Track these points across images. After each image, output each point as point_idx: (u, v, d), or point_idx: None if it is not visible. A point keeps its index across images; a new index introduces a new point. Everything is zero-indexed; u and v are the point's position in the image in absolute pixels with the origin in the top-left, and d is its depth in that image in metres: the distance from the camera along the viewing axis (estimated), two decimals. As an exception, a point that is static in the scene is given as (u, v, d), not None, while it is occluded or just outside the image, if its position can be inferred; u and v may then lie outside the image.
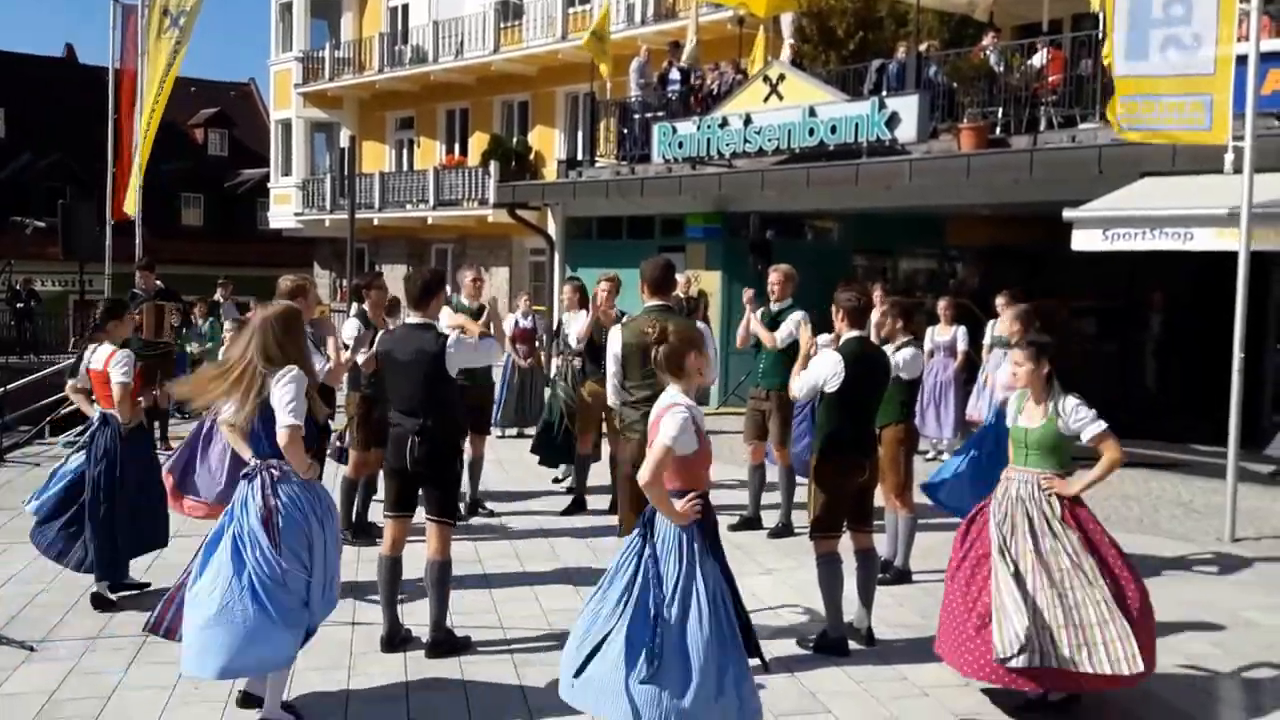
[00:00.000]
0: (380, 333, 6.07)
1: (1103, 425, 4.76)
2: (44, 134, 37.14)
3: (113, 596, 5.96)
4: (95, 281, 15.64)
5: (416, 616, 5.54)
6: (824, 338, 6.61)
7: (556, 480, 9.52)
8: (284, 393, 4.35)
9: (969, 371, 10.75)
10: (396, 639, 5.38)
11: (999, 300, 10.67)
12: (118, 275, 15.20)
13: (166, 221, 36.00)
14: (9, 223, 25.47)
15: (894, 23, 15.99)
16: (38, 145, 37.05)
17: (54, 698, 4.76)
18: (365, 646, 5.40)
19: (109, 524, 5.87)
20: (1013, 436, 4.92)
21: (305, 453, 4.43)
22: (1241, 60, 8.06)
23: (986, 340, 10.62)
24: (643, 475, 3.94)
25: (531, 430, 12.15)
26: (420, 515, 5.36)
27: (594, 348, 7.99)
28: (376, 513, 7.70)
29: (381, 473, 7.83)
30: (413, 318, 5.35)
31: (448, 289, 6.08)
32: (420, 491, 5.30)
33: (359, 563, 6.83)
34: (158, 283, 11.46)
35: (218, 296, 15.08)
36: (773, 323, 7.62)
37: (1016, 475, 4.84)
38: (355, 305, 7.84)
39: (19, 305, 24.97)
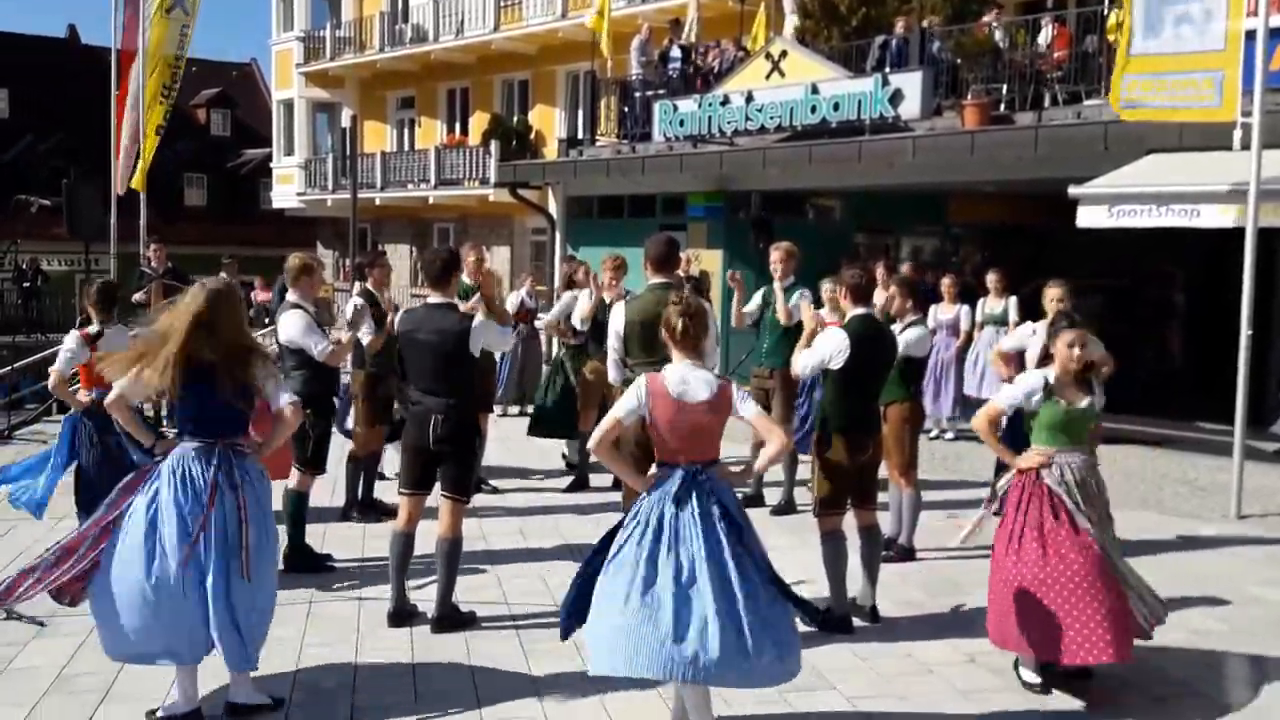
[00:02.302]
0: (401, 312, 6.06)
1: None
2: (47, 115, 37.04)
3: None
4: (101, 261, 15.63)
5: (423, 592, 5.56)
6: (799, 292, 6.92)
7: (570, 465, 9.35)
8: None
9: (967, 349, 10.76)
10: (404, 614, 5.41)
11: (990, 278, 10.70)
12: (123, 255, 15.20)
13: (170, 202, 35.94)
14: (13, 202, 25.51)
15: (898, -2, 15.89)
16: (41, 126, 36.95)
17: (64, 672, 4.80)
18: (371, 621, 5.42)
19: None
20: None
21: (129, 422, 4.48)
22: (1250, 36, 8.00)
23: (978, 318, 10.65)
24: (590, 441, 4.23)
25: (532, 409, 12.18)
26: (434, 493, 5.38)
27: (597, 326, 7.98)
28: (382, 490, 7.76)
29: (389, 449, 7.92)
30: (433, 297, 5.37)
31: None
32: (438, 469, 5.32)
33: (365, 539, 6.86)
34: (168, 262, 11.49)
35: (223, 276, 15.08)
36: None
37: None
38: (358, 284, 7.85)
39: (25, 284, 25.01)
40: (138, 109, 14.78)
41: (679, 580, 3.86)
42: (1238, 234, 8.24)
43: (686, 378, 4.14)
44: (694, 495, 4.03)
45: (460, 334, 5.19)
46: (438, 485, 5.37)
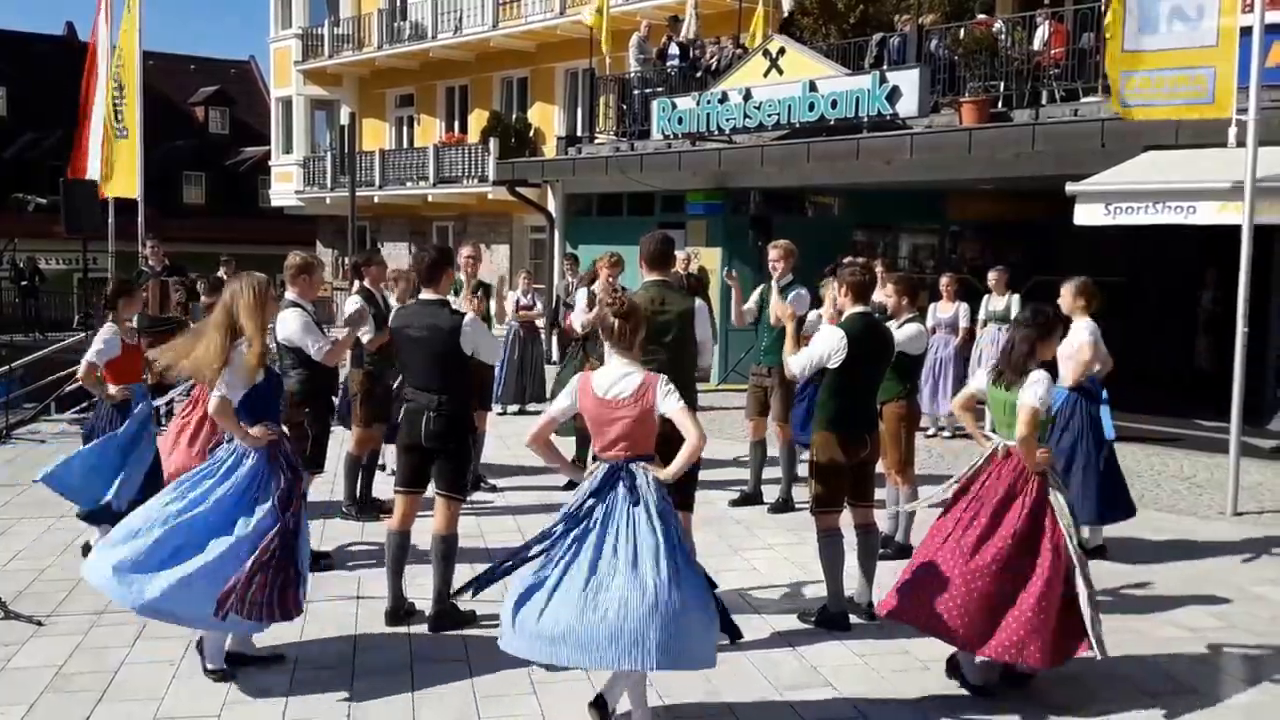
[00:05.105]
0: (395, 309, 6.07)
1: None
2: (46, 112, 36.91)
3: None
4: (99, 259, 15.65)
5: (421, 590, 5.57)
6: (814, 313, 6.84)
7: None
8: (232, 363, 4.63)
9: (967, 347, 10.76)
10: (400, 612, 5.42)
11: (991, 276, 10.72)
12: (121, 253, 15.22)
13: (169, 200, 35.94)
14: (11, 200, 25.53)
15: (895, -5, 15.88)
16: (40, 124, 36.91)
17: (61, 671, 4.81)
18: (369, 620, 5.44)
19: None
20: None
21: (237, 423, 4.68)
22: (1246, 32, 8.01)
23: (981, 316, 10.66)
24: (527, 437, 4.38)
25: (533, 408, 12.21)
26: (429, 490, 5.39)
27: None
28: (379, 488, 7.77)
29: (385, 448, 7.93)
30: (425, 294, 5.38)
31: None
32: (433, 467, 5.33)
33: (363, 537, 6.87)
34: (165, 259, 11.51)
35: (220, 274, 15.09)
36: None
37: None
38: (356, 283, 7.85)
39: (24, 283, 25.03)
40: (106, 104, 14.92)
41: (595, 570, 4.02)
42: (1235, 231, 8.24)
43: (615, 376, 4.24)
44: (617, 490, 4.15)
45: (451, 330, 5.17)
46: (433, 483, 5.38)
